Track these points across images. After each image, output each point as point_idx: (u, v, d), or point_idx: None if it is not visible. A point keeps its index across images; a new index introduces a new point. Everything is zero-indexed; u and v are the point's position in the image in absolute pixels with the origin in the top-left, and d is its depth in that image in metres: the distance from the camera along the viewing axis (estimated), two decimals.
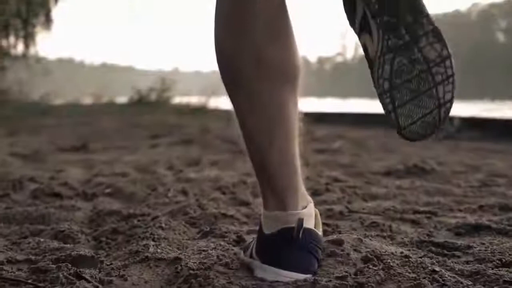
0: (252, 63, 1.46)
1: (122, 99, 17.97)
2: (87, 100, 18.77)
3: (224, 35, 1.50)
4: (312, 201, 1.59)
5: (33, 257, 1.58)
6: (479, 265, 1.50)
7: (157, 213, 2.12)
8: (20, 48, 19.47)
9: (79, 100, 18.73)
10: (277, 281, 1.42)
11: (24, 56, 19.19)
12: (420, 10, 1.45)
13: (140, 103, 15.76)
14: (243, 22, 1.46)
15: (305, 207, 1.53)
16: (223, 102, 9.35)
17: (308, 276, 1.44)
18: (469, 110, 12.95)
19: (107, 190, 2.66)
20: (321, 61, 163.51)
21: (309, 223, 1.51)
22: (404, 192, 2.63)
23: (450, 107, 1.44)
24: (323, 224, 1.79)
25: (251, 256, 1.54)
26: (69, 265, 1.43)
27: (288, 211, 1.49)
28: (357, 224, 1.98)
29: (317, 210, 1.59)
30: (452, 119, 7.36)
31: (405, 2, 1.45)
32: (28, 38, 19.51)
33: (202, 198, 2.43)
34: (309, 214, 1.53)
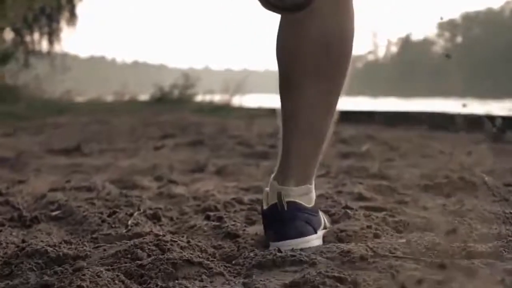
0: None
1: (145, 97, 17.40)
2: (110, 98, 18.22)
3: None
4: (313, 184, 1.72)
5: None
6: None
7: (93, 257, 1.46)
8: (44, 44, 19.08)
9: (102, 98, 18.17)
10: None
11: (48, 53, 18.79)
12: None
13: (161, 100, 15.16)
14: None
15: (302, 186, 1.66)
16: (247, 100, 8.79)
17: (308, 237, 1.60)
18: (504, 108, 12.15)
19: (55, 213, 2.00)
20: (352, 59, 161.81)
21: (300, 199, 1.64)
22: (452, 218, 1.93)
23: None
24: (335, 277, 1.25)
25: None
26: None
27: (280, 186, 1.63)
28: (387, 281, 1.31)
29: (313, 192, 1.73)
30: (493, 118, 6.67)
31: None
32: (53, 35, 19.10)
33: (172, 228, 1.79)
34: (300, 192, 1.65)
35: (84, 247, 1.56)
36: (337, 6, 1.58)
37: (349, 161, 4.07)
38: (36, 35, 19.33)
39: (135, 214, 1.87)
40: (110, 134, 6.69)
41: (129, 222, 1.78)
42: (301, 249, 1.54)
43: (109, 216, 1.86)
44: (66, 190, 2.46)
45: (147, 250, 1.45)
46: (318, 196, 2.25)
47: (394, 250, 1.53)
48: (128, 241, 1.57)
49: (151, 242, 1.49)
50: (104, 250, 1.53)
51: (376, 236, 1.66)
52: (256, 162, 3.93)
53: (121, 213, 1.89)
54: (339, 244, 1.57)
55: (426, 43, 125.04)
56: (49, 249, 1.50)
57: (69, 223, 1.88)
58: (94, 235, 1.68)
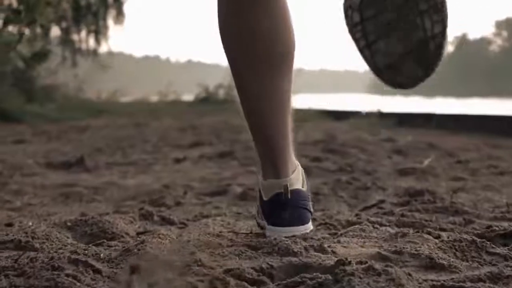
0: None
1: (190, 97, 16.81)
2: (154, 99, 17.67)
3: None
4: (298, 163, 1.81)
5: None
6: None
7: None
8: (91, 43, 18.61)
9: (146, 98, 17.62)
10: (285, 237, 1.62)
11: (94, 51, 18.32)
12: None
13: (206, 101, 14.48)
14: None
15: (294, 171, 1.76)
16: (297, 101, 7.92)
17: (305, 226, 1.73)
18: None
19: None
20: None
21: (297, 184, 1.75)
22: None
23: (442, 42, 1.23)
24: None
25: (262, 219, 1.80)
26: None
27: (280, 178, 1.72)
28: None
29: (300, 167, 1.81)
30: None
31: None
32: (99, 33, 18.62)
33: None
34: (296, 178, 1.76)
35: None
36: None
37: (409, 181, 3.25)
38: (83, 34, 18.88)
39: None
40: (135, 140, 5.95)
41: None
42: None
43: None
44: None
45: None
46: (363, 265, 1.40)
47: None
48: None
49: None
50: None
51: None
52: None
53: None
54: None
55: (483, 42, 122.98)
56: None
57: None
58: None
